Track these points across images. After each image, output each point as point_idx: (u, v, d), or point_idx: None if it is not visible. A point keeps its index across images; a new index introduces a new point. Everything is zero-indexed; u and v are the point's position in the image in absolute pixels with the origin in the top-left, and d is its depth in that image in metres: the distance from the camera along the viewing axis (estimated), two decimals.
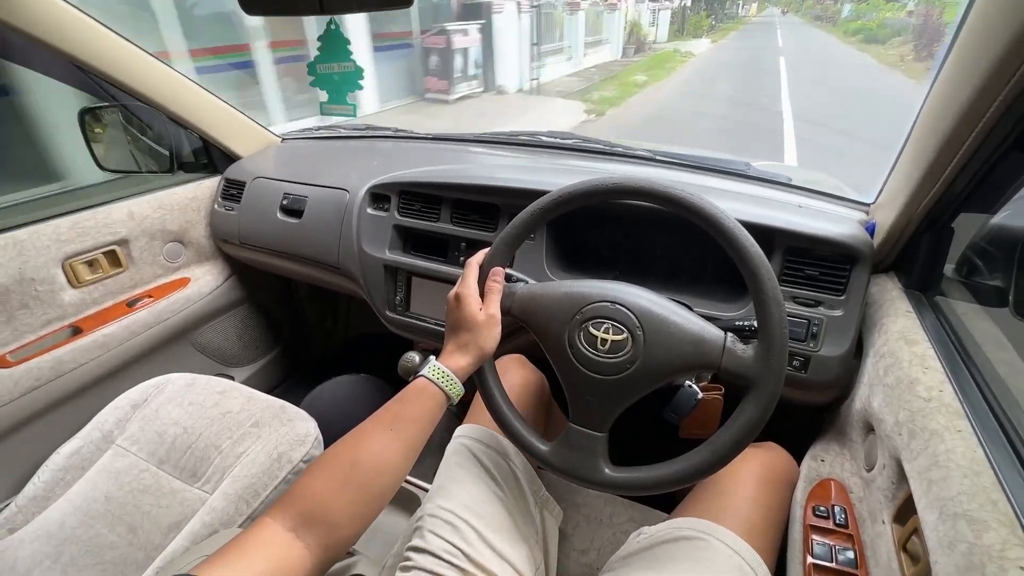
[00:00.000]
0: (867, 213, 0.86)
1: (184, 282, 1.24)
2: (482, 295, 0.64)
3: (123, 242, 1.11)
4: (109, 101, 1.10)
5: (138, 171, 1.20)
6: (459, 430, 0.75)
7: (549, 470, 0.63)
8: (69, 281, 1.02)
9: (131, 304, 1.13)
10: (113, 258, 1.10)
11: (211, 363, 1.37)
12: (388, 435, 0.52)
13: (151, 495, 0.82)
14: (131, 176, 1.20)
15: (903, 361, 0.61)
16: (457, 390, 0.59)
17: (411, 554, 0.61)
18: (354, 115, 1.09)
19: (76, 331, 1.03)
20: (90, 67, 0.97)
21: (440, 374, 0.58)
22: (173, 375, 1.01)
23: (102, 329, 1.06)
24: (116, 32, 0.99)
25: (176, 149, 1.23)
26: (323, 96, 1.12)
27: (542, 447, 0.62)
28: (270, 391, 1.00)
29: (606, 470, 0.59)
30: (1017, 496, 0.41)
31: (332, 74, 0.99)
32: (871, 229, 0.78)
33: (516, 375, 0.83)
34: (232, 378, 1.38)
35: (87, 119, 1.09)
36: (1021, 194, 0.62)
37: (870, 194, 0.87)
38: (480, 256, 0.67)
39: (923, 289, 0.73)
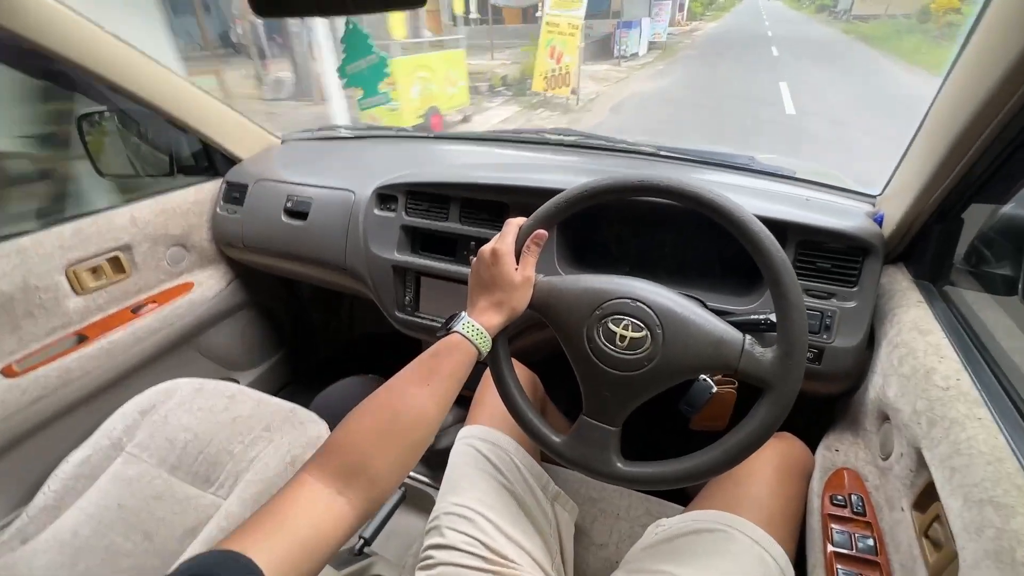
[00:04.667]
0: (873, 205, 0.86)
1: (188, 287, 1.23)
2: (517, 257, 0.63)
3: (126, 248, 1.10)
4: (105, 105, 1.08)
5: (137, 175, 1.19)
6: (462, 432, 0.76)
7: (561, 461, 0.63)
8: (73, 288, 1.01)
9: (135, 310, 1.12)
10: (116, 264, 1.08)
11: (216, 367, 1.36)
12: (425, 389, 0.51)
13: (164, 502, 0.82)
14: (131, 180, 1.19)
15: (918, 351, 0.61)
16: (487, 347, 0.59)
17: (431, 552, 0.61)
18: (389, 101, 1.08)
19: (82, 339, 1.02)
20: (87, 70, 0.95)
21: (473, 330, 0.58)
22: (181, 380, 1.00)
23: (107, 336, 1.05)
24: (113, 35, 0.97)
25: (175, 152, 1.22)
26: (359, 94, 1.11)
27: (555, 439, 0.63)
28: (275, 394, 1.00)
29: (617, 463, 0.60)
30: None
31: (361, 72, 0.99)
32: (879, 221, 0.79)
33: None
34: (237, 382, 1.37)
35: (84, 125, 1.07)
36: None
37: (875, 186, 0.88)
38: (520, 219, 0.66)
39: (933, 279, 0.73)
